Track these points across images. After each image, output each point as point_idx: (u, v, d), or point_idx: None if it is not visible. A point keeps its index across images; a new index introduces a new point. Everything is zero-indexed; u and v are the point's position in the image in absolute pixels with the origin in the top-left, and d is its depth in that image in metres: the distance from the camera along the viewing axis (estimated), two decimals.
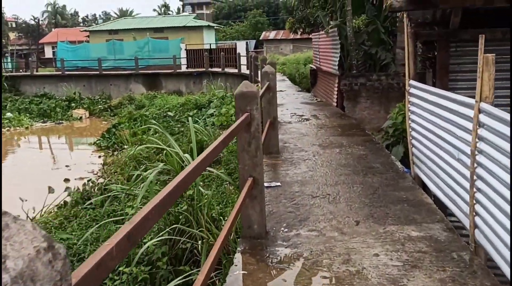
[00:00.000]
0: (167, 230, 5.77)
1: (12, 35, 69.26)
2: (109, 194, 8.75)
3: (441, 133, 3.83)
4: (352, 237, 3.23)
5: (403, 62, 10.67)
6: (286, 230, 3.43)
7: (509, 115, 2.46)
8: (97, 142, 17.99)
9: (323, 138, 6.70)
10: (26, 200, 9.86)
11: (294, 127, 7.67)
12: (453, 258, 2.85)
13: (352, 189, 4.28)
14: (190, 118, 6.97)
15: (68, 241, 7.87)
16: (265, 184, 4.58)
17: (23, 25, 76.25)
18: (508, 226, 2.59)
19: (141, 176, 7.15)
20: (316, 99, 11.70)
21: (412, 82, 4.44)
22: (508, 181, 2.56)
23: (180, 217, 6.11)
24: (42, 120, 24.71)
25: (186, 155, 6.74)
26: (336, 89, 10.27)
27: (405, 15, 4.40)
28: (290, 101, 11.37)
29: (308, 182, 4.56)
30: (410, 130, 4.55)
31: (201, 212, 6.09)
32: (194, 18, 39.65)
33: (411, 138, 4.57)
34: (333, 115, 9.08)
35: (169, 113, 22.17)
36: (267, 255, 3.03)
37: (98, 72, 30.29)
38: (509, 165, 2.52)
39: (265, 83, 5.46)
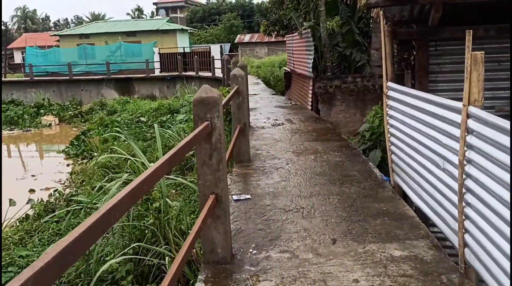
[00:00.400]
0: (132, 246, 5.32)
1: None
2: (73, 207, 8.20)
3: (423, 140, 3.52)
4: (329, 259, 2.86)
5: (378, 63, 10.48)
6: (255, 251, 3.04)
7: (503, 120, 2.14)
8: (66, 149, 17.24)
9: (298, 144, 6.36)
10: None
11: (268, 132, 7.31)
12: (442, 282, 2.52)
13: (328, 201, 3.93)
14: (155, 125, 6.51)
15: (28, 258, 7.30)
16: (234, 197, 4.19)
17: None
18: (503, 245, 2.27)
19: (104, 187, 6.67)
20: (290, 103, 11.38)
21: (390, 84, 4.13)
22: (502, 194, 2.24)
23: (146, 231, 5.68)
24: (9, 128, 23.67)
25: (152, 164, 6.30)
26: (310, 92, 9.97)
27: (381, 13, 4.11)
28: (263, 104, 11.02)
29: (280, 194, 4.19)
30: (389, 135, 4.24)
31: (168, 225, 5.68)
32: (167, 21, 39.02)
33: (390, 144, 4.26)
34: (308, 119, 8.77)
35: (142, 119, 21.59)
36: (232, 284, 2.63)
37: (68, 77, 29.34)
38: (502, 176, 2.21)
39: (234, 87, 5.08)
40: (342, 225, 3.41)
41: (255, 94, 13.28)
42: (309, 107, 9.99)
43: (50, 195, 11.57)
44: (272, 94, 13.63)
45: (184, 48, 33.64)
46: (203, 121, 2.72)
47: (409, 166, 3.85)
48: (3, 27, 78.57)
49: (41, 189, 13.13)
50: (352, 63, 10.28)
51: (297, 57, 11.33)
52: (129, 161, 6.71)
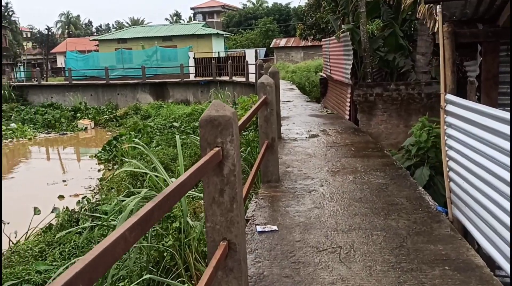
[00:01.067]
0: (145, 276, 4.79)
1: (27, 45, 69.91)
2: (89, 224, 7.78)
3: (493, 168, 2.78)
4: None
5: (424, 69, 9.60)
6: None
7: None
8: (98, 154, 17.17)
9: (334, 160, 5.66)
10: (8, 223, 8.99)
11: (300, 145, 6.63)
12: None
13: (371, 239, 3.23)
14: (177, 137, 5.97)
15: (45, 275, 6.95)
16: (258, 228, 3.56)
17: (37, 35, 76.86)
18: None
19: (121, 204, 6.21)
20: (326, 111, 10.63)
21: (450, 97, 3.39)
22: None
23: (165, 254, 5.17)
24: (46, 131, 24.06)
25: (173, 179, 5.79)
26: (348, 100, 9.21)
27: (438, 9, 3.38)
28: (297, 113, 10.34)
29: (313, 226, 3.53)
30: (447, 159, 3.49)
31: (189, 248, 5.14)
32: (203, 26, 39.00)
33: (448, 169, 3.51)
34: (345, 130, 8.03)
35: (175, 124, 21.40)
36: None
37: (105, 82, 29.68)
38: None
39: (261, 97, 4.46)
40: (390, 275, 2.71)
41: (288, 101, 12.62)
42: (347, 117, 9.23)
43: (78, 202, 11.39)
44: (307, 101, 12.91)
45: (218, 52, 33.39)
46: (212, 146, 2.11)
47: (474, 199, 3.10)
48: (48, 33, 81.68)
49: (70, 196, 13.00)
50: (395, 69, 9.45)
51: (334, 62, 10.59)
52: (148, 175, 6.21)
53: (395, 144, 8.71)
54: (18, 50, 54.37)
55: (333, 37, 10.90)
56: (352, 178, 4.77)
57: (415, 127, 7.03)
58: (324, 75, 12.65)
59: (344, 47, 9.43)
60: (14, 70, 38.13)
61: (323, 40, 13.11)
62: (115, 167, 15.25)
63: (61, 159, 19.89)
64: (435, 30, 9.25)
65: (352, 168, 5.20)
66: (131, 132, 17.95)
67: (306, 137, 7.26)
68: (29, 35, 79.37)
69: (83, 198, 11.66)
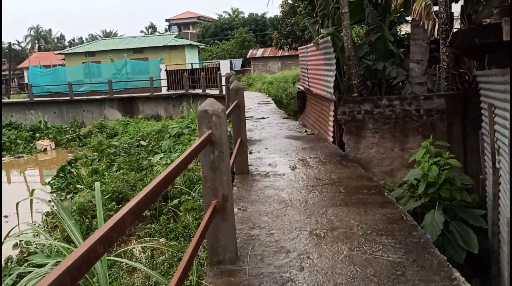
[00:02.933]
0: None
1: None
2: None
3: None
4: None
5: (419, 80, 8.11)
6: None
7: None
8: (51, 182, 15.18)
9: (318, 212, 4.03)
10: None
11: (273, 185, 5.00)
12: None
13: None
14: (97, 184, 4.29)
15: None
16: None
17: (6, 50, 73.92)
18: None
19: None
20: (305, 131, 9.01)
21: None
22: None
23: None
24: None
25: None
26: (332, 119, 7.66)
27: None
28: (271, 134, 8.73)
29: None
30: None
31: None
32: (175, 37, 37.32)
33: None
34: (329, 158, 6.44)
35: (142, 143, 19.62)
36: None
37: (69, 98, 27.61)
38: None
39: (203, 133, 2.83)
40: None
41: (262, 118, 11.01)
42: (330, 139, 7.66)
43: (15, 246, 9.67)
44: (283, 118, 11.27)
45: (192, 64, 31.75)
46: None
47: None
48: (17, 47, 78.87)
49: (8, 236, 11.06)
50: (383, 80, 7.96)
51: (314, 73, 9.04)
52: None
53: (390, 171, 7.18)
54: None
55: (311, 44, 9.39)
56: (347, 252, 3.14)
57: (417, 154, 5.50)
58: (302, 88, 11.09)
59: (324, 55, 7.89)
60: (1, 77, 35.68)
61: (299, 48, 11.60)
62: (68, 196, 13.34)
63: (9, 187, 17.74)
64: (434, 33, 7.83)
65: (345, 229, 3.58)
66: (88, 156, 16.06)
67: (281, 171, 5.62)
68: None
69: (21, 241, 9.85)
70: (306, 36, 16.82)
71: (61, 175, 14.97)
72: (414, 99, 6.88)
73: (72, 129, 25.11)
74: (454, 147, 6.47)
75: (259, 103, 15.30)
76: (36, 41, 77.60)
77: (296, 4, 17.21)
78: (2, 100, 29.90)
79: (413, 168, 5.55)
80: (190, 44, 35.94)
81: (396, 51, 7.96)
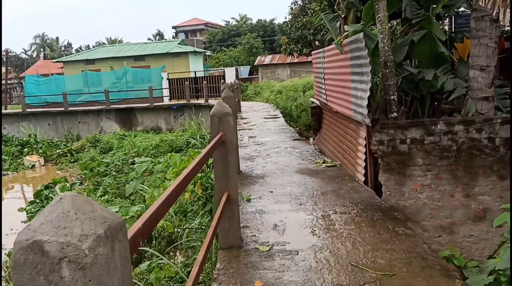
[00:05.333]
0: None
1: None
2: None
3: None
4: None
5: (485, 94, 5.97)
6: None
7: None
8: (28, 208, 13.26)
9: None
10: None
11: (280, 281, 2.88)
12: None
13: None
14: None
15: None
16: None
17: (13, 58, 73.06)
18: None
19: None
20: (324, 162, 6.78)
21: None
22: None
23: None
24: None
25: None
26: (363, 148, 5.53)
27: None
28: (279, 165, 6.59)
29: None
30: None
31: None
32: (179, 43, 35.48)
33: None
34: (365, 212, 4.30)
35: (136, 160, 17.61)
36: None
37: (63, 109, 25.78)
38: None
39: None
40: None
41: (266, 142, 8.85)
42: (361, 177, 5.50)
43: None
44: (294, 139, 9.07)
45: (195, 72, 29.81)
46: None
47: None
48: (24, 56, 77.96)
49: None
50: (427, 93, 5.83)
51: (333, 85, 6.91)
52: None
53: (449, 226, 5.01)
54: None
55: (329, 47, 7.30)
56: None
57: (499, 218, 3.35)
58: (317, 102, 8.91)
59: (352, 60, 5.75)
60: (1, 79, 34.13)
61: (313, 53, 9.46)
62: None
63: None
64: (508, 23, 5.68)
65: None
66: (66, 179, 14.09)
67: (293, 249, 3.49)
68: (4, 59, 75.78)
69: None
70: (318, 41, 14.78)
71: (37, 201, 13.03)
72: (486, 123, 4.73)
73: (65, 143, 23.23)
74: None
75: (265, 117, 13.20)
76: (42, 49, 76.82)
77: (307, 3, 15.18)
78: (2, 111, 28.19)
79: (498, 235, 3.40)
80: (194, 51, 34.04)
81: (449, 55, 5.83)
